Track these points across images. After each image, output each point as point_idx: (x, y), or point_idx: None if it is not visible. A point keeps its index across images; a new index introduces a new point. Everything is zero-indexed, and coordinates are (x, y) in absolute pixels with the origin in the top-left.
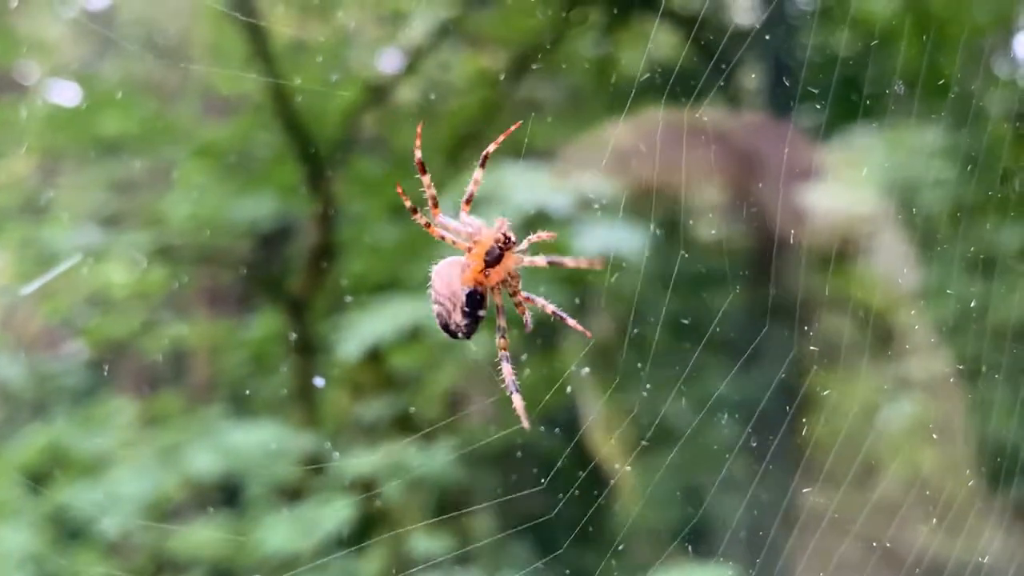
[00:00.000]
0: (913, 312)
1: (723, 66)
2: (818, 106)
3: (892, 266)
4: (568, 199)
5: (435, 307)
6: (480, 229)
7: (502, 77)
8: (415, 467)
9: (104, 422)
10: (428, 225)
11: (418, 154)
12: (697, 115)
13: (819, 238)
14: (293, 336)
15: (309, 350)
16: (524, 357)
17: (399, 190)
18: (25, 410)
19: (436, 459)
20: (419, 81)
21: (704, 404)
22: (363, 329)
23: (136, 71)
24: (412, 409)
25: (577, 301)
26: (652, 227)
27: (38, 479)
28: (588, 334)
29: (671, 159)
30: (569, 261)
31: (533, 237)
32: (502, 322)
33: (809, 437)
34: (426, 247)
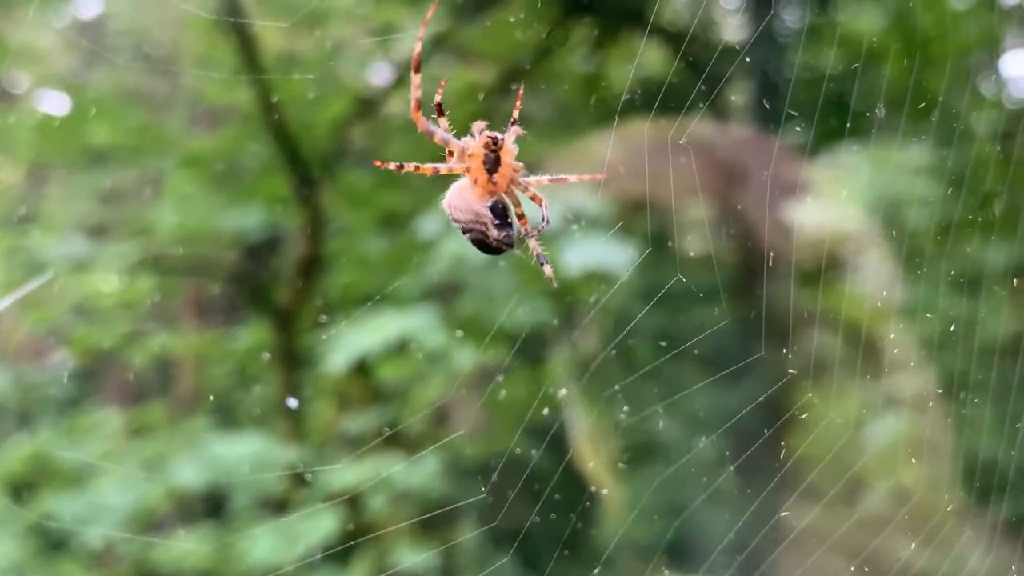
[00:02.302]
0: (898, 329)
1: (710, 83)
2: (804, 123)
3: (877, 283)
4: (555, 214)
5: (467, 235)
6: (467, 144)
7: (482, 95)
8: (400, 480)
9: (89, 432)
10: (417, 168)
11: (418, 47)
12: (684, 130)
13: (805, 255)
14: (279, 348)
15: (295, 362)
16: (500, 378)
17: (376, 162)
18: (9, 420)
19: (421, 472)
20: (408, 94)
21: (689, 420)
22: (349, 342)
23: (126, 81)
24: (384, 431)
25: (556, 322)
26: (638, 242)
27: (22, 489)
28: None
29: (658, 174)
30: (571, 177)
31: (513, 124)
32: (519, 210)
33: (794, 453)
34: (413, 261)
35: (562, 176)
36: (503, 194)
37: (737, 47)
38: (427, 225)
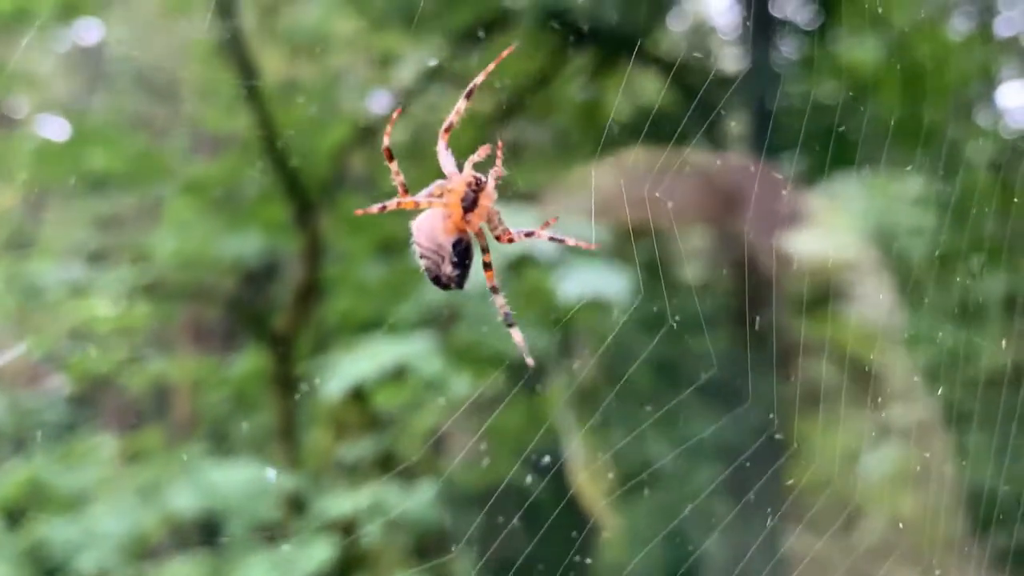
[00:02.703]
0: (896, 358)
1: (707, 112)
2: (801, 153)
3: (874, 311)
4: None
5: (423, 262)
6: (451, 176)
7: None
8: (396, 508)
9: (84, 458)
10: (399, 204)
11: (387, 141)
12: (682, 158)
13: (802, 283)
14: (276, 374)
15: (292, 389)
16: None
17: (358, 212)
18: (5, 445)
19: (417, 499)
20: (407, 122)
21: (687, 449)
22: (346, 369)
23: (126, 107)
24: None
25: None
26: (635, 270)
27: (16, 515)
28: (593, 245)
29: (655, 201)
30: (543, 233)
31: (497, 168)
32: (487, 258)
33: (793, 482)
34: (411, 287)
35: (558, 237)
36: (473, 234)
37: (734, 77)
38: None
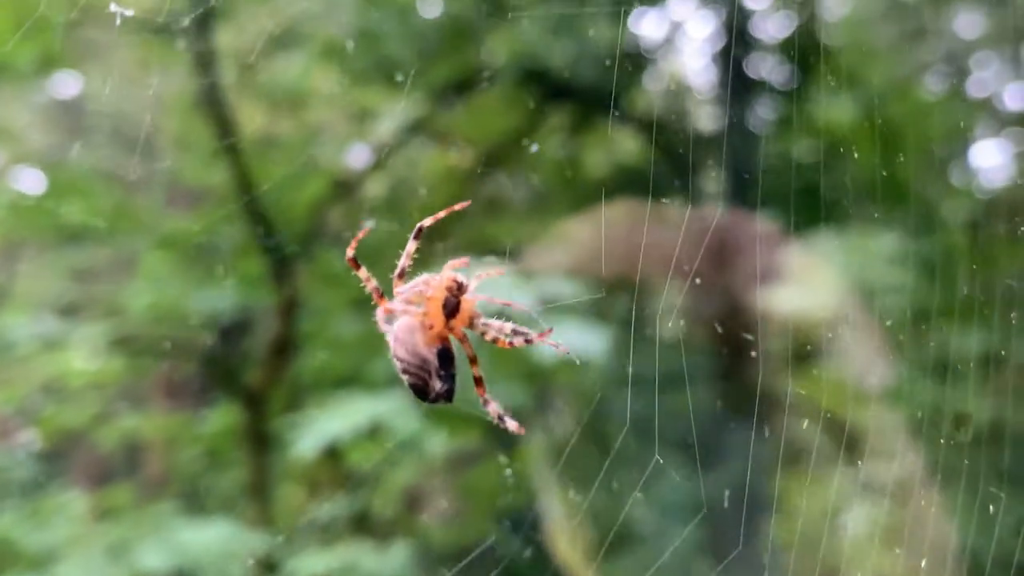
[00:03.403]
0: (876, 415)
1: (684, 169)
2: (778, 211)
3: (854, 369)
4: (531, 299)
5: (406, 377)
6: (427, 282)
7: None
8: (369, 568)
9: (54, 515)
10: (386, 309)
11: (350, 252)
12: (661, 214)
13: (781, 339)
14: (249, 431)
15: (265, 446)
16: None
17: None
18: None
19: (391, 560)
20: (386, 177)
21: (665, 506)
22: (320, 427)
23: (103, 160)
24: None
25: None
26: (613, 325)
27: None
28: (565, 349)
29: (634, 257)
30: (533, 336)
31: (482, 274)
32: (476, 371)
33: (773, 541)
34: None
35: (525, 331)
36: (457, 341)
37: (712, 136)
38: None
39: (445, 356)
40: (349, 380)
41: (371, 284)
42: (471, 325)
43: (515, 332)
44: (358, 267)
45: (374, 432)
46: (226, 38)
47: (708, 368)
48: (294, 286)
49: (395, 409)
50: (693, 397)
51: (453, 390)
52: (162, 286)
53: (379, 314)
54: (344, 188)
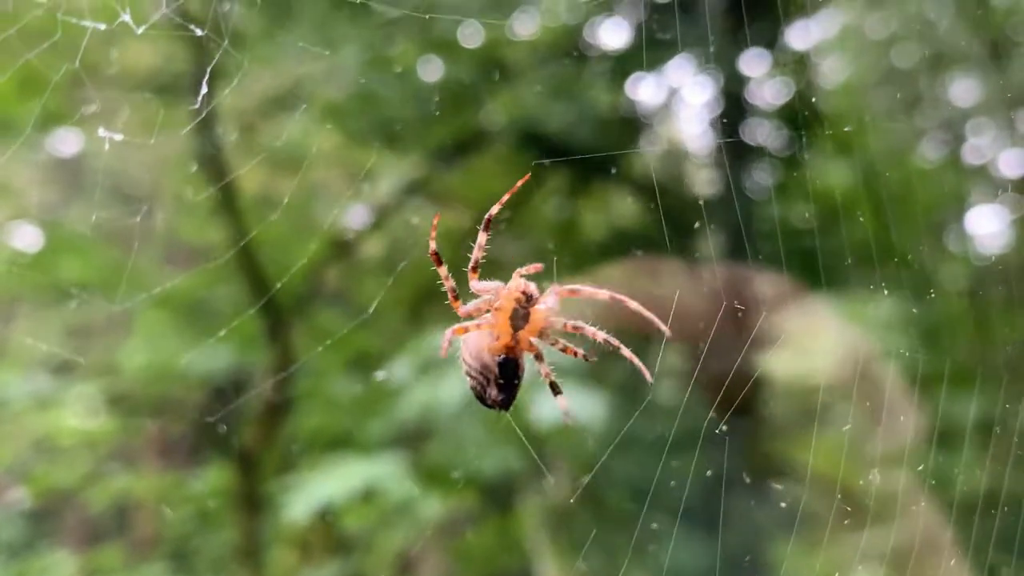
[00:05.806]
0: (875, 482)
1: (682, 231)
2: (775, 273)
3: (853, 435)
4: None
5: (468, 380)
6: (497, 292)
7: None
8: None
9: None
10: (454, 330)
11: (433, 245)
12: (657, 276)
13: (778, 404)
14: (242, 493)
15: (257, 508)
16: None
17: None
18: None
19: None
20: (384, 237)
21: (662, 572)
22: (313, 490)
23: (101, 218)
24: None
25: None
26: (610, 391)
27: None
28: (648, 376)
29: (631, 322)
30: (625, 351)
31: (558, 288)
32: (544, 369)
33: None
34: (382, 404)
35: (616, 343)
36: (525, 350)
37: (708, 200)
38: (397, 370)
39: (507, 366)
40: (343, 441)
41: (448, 283)
42: (542, 335)
43: (606, 341)
44: (440, 263)
45: (368, 496)
46: (229, 99)
47: (706, 431)
48: (290, 345)
49: (389, 473)
50: (691, 461)
51: (510, 400)
52: (157, 345)
53: (447, 334)
54: (341, 248)
